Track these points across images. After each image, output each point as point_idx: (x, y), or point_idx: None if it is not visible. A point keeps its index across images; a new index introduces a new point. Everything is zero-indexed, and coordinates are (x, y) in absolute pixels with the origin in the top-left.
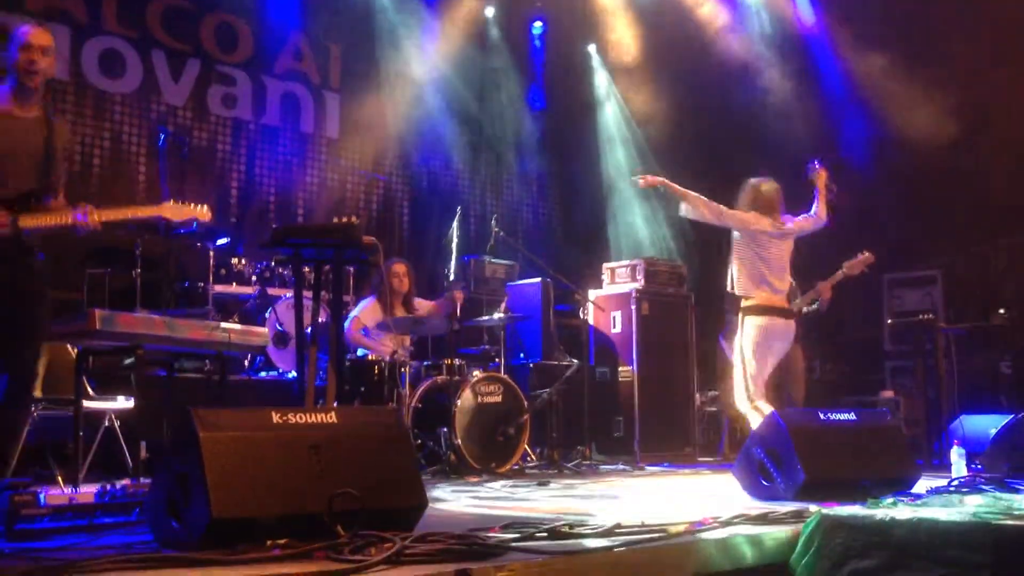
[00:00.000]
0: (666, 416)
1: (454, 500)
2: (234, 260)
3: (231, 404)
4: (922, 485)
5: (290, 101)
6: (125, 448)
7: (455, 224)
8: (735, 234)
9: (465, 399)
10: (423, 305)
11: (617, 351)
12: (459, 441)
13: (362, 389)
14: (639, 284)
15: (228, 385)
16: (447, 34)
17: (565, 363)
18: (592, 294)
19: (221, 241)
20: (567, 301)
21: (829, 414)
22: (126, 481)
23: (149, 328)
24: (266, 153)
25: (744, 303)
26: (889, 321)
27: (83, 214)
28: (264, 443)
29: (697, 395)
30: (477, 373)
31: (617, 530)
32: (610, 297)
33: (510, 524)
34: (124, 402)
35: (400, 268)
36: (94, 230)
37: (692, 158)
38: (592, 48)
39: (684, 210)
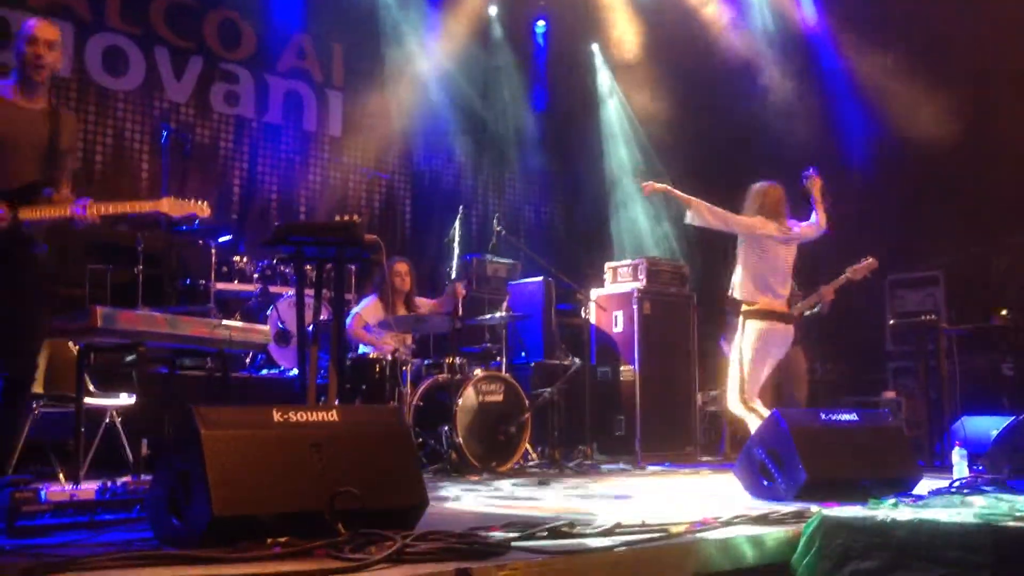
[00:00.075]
0: (667, 416)
1: (455, 499)
2: (236, 258)
3: (232, 402)
4: (923, 486)
5: (293, 99)
6: (126, 445)
7: (457, 223)
8: (740, 238)
9: (466, 398)
10: (424, 304)
11: (619, 350)
12: (460, 440)
13: (363, 387)
14: (641, 283)
15: (229, 383)
16: (450, 32)
17: (566, 362)
18: (594, 293)
19: (223, 239)
20: (569, 300)
21: (831, 415)
22: (127, 478)
23: (151, 325)
24: (268, 151)
25: (745, 307)
26: (891, 322)
27: (82, 207)
28: (265, 441)
29: (699, 395)
30: (478, 372)
31: (618, 530)
32: (612, 296)
33: (511, 523)
34: (125, 399)
35: (402, 267)
36: (92, 223)
37: (694, 156)
38: (595, 47)
39: (690, 217)
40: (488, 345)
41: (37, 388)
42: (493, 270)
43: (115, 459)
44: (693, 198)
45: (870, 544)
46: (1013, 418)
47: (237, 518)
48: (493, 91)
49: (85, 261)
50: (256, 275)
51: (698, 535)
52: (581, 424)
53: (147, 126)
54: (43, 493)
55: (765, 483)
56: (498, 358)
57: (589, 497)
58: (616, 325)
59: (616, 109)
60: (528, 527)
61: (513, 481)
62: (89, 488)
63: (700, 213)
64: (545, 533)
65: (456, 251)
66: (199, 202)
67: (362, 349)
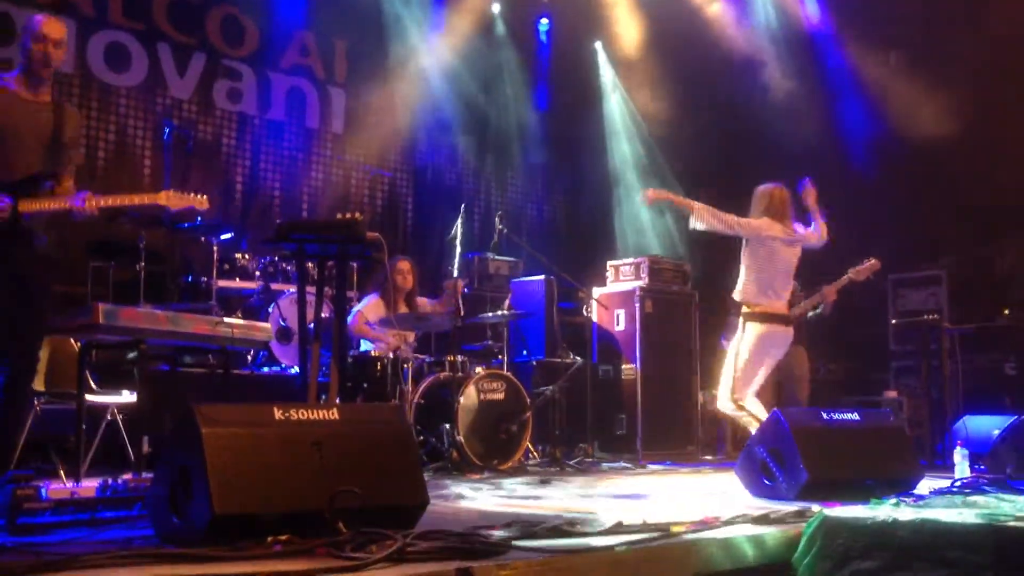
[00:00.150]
0: (669, 414)
1: (456, 497)
2: (238, 255)
3: (234, 399)
4: (925, 486)
5: (295, 96)
6: (127, 443)
7: (459, 220)
8: (744, 240)
9: (468, 396)
10: (425, 305)
11: (620, 349)
12: (461, 438)
13: (365, 385)
14: (643, 282)
15: (231, 380)
16: (453, 30)
17: (568, 360)
18: (596, 291)
19: (225, 236)
20: (571, 298)
21: (832, 414)
22: (128, 476)
23: (152, 323)
24: (271, 148)
25: (746, 309)
26: (893, 321)
27: (80, 200)
28: (266, 439)
29: (700, 394)
30: (480, 370)
31: (619, 529)
32: (614, 295)
33: (512, 522)
34: (127, 396)
35: (404, 265)
36: (91, 216)
37: (696, 154)
38: (598, 44)
39: (694, 223)
40: (490, 343)
41: (39, 385)
42: (495, 268)
43: (116, 457)
44: (695, 203)
45: (871, 544)
46: (1015, 418)
47: (238, 516)
48: (496, 88)
49: (87, 259)
50: (258, 272)
51: (699, 534)
52: (582, 422)
53: (149, 123)
54: (44, 490)
55: (766, 482)
56: (500, 356)
57: (590, 496)
58: (618, 323)
59: (619, 106)
60: (529, 526)
61: (514, 480)
62: (90, 485)
63: (704, 218)
64: (546, 532)
65: (458, 249)
66: (198, 195)
67: (364, 347)
